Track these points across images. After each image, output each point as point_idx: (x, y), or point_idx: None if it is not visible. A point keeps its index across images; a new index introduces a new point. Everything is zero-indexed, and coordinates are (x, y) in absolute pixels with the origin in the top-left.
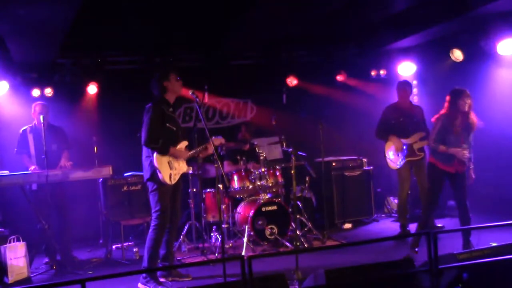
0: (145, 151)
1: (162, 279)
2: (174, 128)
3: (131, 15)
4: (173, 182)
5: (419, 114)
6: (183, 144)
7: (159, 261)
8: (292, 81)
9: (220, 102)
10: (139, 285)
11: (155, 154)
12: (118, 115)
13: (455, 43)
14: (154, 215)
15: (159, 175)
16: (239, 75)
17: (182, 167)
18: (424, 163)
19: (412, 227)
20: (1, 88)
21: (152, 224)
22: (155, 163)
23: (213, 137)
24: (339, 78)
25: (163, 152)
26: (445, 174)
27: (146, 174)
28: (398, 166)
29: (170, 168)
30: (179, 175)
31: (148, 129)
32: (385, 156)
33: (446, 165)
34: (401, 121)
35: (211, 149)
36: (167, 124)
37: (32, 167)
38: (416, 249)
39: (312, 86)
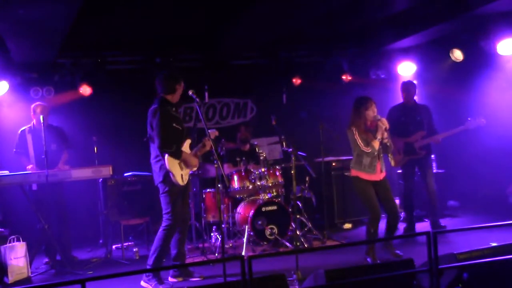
0: (154, 153)
1: (173, 280)
2: (180, 128)
3: (131, 15)
4: (185, 182)
5: (424, 113)
6: (187, 143)
7: (164, 260)
8: (297, 81)
9: (220, 102)
10: (142, 282)
11: (166, 156)
12: (118, 115)
13: (455, 43)
14: (165, 217)
15: (172, 177)
16: (239, 75)
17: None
18: (428, 162)
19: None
20: (1, 88)
21: (163, 225)
22: (167, 165)
23: (208, 131)
24: (340, 77)
25: (177, 157)
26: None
27: (158, 176)
28: (398, 164)
29: (181, 169)
30: (188, 174)
31: (162, 133)
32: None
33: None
34: (402, 121)
35: (208, 146)
36: (174, 125)
37: (29, 166)
38: (397, 252)
39: (312, 86)
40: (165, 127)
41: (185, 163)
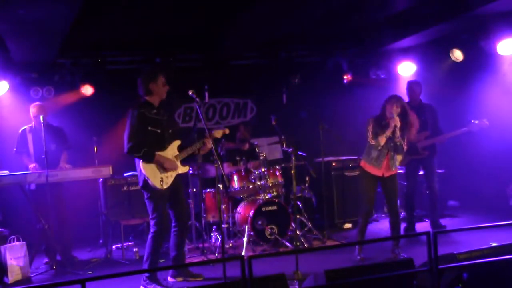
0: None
1: (172, 279)
2: (158, 131)
3: (131, 15)
4: (165, 186)
5: (429, 112)
6: (175, 144)
7: (162, 260)
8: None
9: (220, 102)
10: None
11: (141, 161)
12: (118, 115)
13: (455, 43)
14: (151, 222)
15: (149, 181)
16: (239, 75)
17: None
18: (432, 162)
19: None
20: (1, 88)
21: (151, 231)
22: (143, 170)
23: (214, 129)
24: (340, 77)
25: (147, 160)
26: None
27: (140, 181)
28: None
29: (161, 172)
30: (173, 177)
31: (128, 136)
32: None
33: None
34: None
35: (209, 144)
36: (149, 127)
37: (32, 165)
38: (396, 252)
39: (312, 86)
40: (133, 129)
41: (160, 167)
